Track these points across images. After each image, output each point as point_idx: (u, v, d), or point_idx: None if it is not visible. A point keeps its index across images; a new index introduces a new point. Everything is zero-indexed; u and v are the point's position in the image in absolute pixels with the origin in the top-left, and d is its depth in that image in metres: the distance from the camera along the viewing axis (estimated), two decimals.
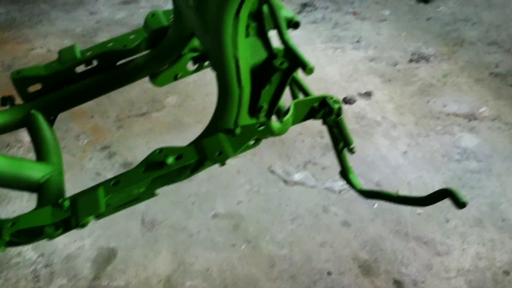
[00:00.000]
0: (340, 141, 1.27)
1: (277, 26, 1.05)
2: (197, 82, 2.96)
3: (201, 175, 2.31)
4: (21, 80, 1.27)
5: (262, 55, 1.02)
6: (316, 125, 2.59)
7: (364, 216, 2.10)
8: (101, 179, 2.34)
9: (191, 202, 2.20)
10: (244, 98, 1.03)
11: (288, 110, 1.12)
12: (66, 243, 2.03)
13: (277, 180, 2.29)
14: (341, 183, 2.24)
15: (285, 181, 2.28)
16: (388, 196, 1.33)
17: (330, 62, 3.14)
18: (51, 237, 1.00)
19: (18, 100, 1.32)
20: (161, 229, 2.08)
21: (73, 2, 4.08)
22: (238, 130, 1.04)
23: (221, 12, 0.91)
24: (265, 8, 1.06)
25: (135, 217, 2.14)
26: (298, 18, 1.16)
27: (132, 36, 1.32)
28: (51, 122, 1.32)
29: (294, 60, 0.98)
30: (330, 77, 3.00)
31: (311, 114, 1.17)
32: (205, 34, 1.06)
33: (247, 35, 1.01)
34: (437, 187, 2.19)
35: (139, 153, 2.45)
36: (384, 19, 3.57)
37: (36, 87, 1.31)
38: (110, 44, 1.30)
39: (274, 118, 1.16)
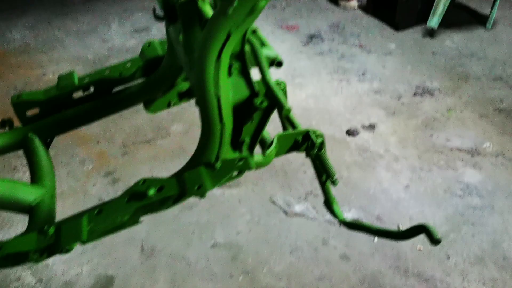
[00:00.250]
0: (323, 173, 1.30)
1: (258, 66, 1.10)
2: None
3: (202, 204, 2.34)
4: (20, 104, 1.32)
5: (245, 93, 1.07)
6: None
7: (364, 250, 2.09)
8: None
9: (191, 231, 2.20)
10: (225, 133, 1.07)
11: (271, 143, 1.15)
12: (64, 269, 2.04)
13: (278, 211, 2.29)
14: None
15: (286, 212, 2.28)
16: (368, 228, 1.36)
17: (335, 93, 3.18)
18: (36, 261, 1.02)
19: (17, 123, 1.36)
20: (160, 257, 2.09)
21: (87, 29, 4.20)
22: (218, 164, 1.08)
23: (204, 54, 0.96)
24: (249, 47, 1.10)
25: (135, 244, 2.15)
26: (281, 58, 1.20)
27: (128, 64, 1.38)
28: (47, 145, 1.35)
29: (273, 100, 1.01)
30: (334, 109, 3.03)
31: (295, 147, 1.20)
32: (190, 72, 1.11)
33: (231, 74, 1.06)
34: (438, 223, 2.18)
35: None
36: (390, 52, 3.62)
37: (35, 111, 1.35)
38: (107, 72, 1.36)
39: (258, 149, 1.19)
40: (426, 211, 2.25)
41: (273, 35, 3.98)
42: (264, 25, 4.15)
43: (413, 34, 3.84)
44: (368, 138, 2.75)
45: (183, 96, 1.43)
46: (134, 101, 1.40)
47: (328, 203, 1.42)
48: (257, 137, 1.11)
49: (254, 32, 1.28)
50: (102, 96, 1.36)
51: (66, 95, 1.33)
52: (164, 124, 2.91)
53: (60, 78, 1.36)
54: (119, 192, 2.50)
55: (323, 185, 1.37)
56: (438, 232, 1.09)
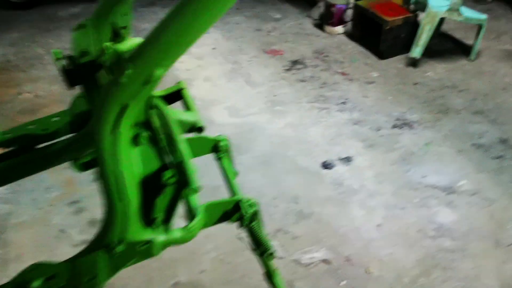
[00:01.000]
0: (259, 246, 1.21)
1: (168, 136, 1.01)
2: None
3: None
4: None
5: (154, 165, 0.98)
6: (292, 190, 2.55)
7: None
8: (64, 237, 2.28)
9: (153, 268, 2.12)
10: (130, 212, 0.96)
11: (197, 215, 1.06)
12: None
13: (244, 248, 2.21)
14: (309, 256, 2.17)
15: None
16: None
17: (314, 123, 3.13)
18: None
19: None
20: None
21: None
22: (120, 248, 0.96)
23: (97, 126, 0.89)
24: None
25: None
26: (202, 123, 1.13)
27: (55, 119, 1.27)
28: None
29: (183, 176, 0.93)
30: (312, 139, 2.98)
31: (225, 217, 1.13)
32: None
33: (138, 144, 0.97)
34: (409, 266, 2.12)
35: None
36: (372, 81, 3.58)
37: None
38: (31, 127, 1.25)
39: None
40: (397, 252, 2.18)
41: (256, 59, 3.95)
42: (248, 49, 4.12)
43: (396, 63, 3.82)
44: (344, 171, 2.69)
45: (88, 166, 1.27)
46: (61, 158, 1.26)
47: (268, 276, 1.32)
48: (172, 211, 1.03)
49: (182, 90, 1.21)
50: (25, 152, 1.24)
51: None
52: None
53: None
54: (83, 223, 2.41)
55: (260, 257, 1.27)
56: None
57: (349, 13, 4.26)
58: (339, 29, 4.30)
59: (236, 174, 1.42)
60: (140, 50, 0.83)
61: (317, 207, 2.44)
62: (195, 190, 0.91)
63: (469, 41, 4.05)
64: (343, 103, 3.33)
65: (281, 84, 3.59)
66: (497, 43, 4.10)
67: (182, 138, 1.02)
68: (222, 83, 3.63)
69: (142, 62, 0.82)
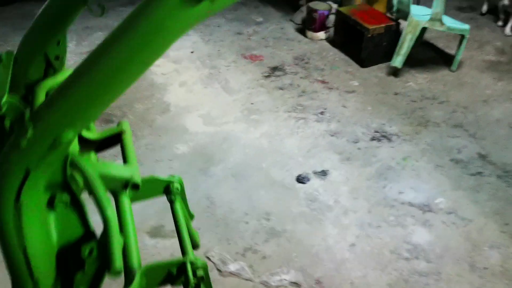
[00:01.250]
0: None
1: (94, 198, 0.83)
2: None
3: None
4: None
5: (76, 232, 0.84)
6: (264, 205, 2.46)
7: None
8: None
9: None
10: None
11: (134, 279, 0.88)
12: None
13: (212, 268, 2.12)
14: (278, 278, 2.08)
15: (220, 271, 2.11)
16: None
17: (290, 133, 3.04)
18: None
19: None
20: None
21: None
22: None
23: None
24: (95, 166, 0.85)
25: None
26: (138, 179, 0.94)
27: None
28: None
29: (105, 252, 0.81)
30: (287, 150, 2.89)
31: (169, 279, 1.00)
32: None
33: (54, 207, 0.82)
34: None
35: None
36: (352, 90, 3.51)
37: None
38: None
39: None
40: (369, 275, 2.11)
41: (235, 65, 3.84)
42: (227, 53, 4.01)
43: (377, 71, 3.75)
44: (319, 186, 2.61)
45: None
46: None
47: None
48: (98, 285, 0.89)
49: (122, 134, 1.07)
50: None
51: None
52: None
53: None
54: None
55: None
56: None
57: (332, 19, 4.18)
58: (321, 34, 4.22)
59: (191, 217, 1.30)
60: (43, 109, 0.70)
61: (289, 224, 2.36)
62: (117, 272, 0.77)
63: (451, 51, 4.00)
64: (321, 113, 3.24)
65: (259, 91, 3.49)
66: (479, 53, 4.05)
67: (109, 200, 0.87)
68: (198, 89, 3.52)
69: (46, 124, 0.69)
